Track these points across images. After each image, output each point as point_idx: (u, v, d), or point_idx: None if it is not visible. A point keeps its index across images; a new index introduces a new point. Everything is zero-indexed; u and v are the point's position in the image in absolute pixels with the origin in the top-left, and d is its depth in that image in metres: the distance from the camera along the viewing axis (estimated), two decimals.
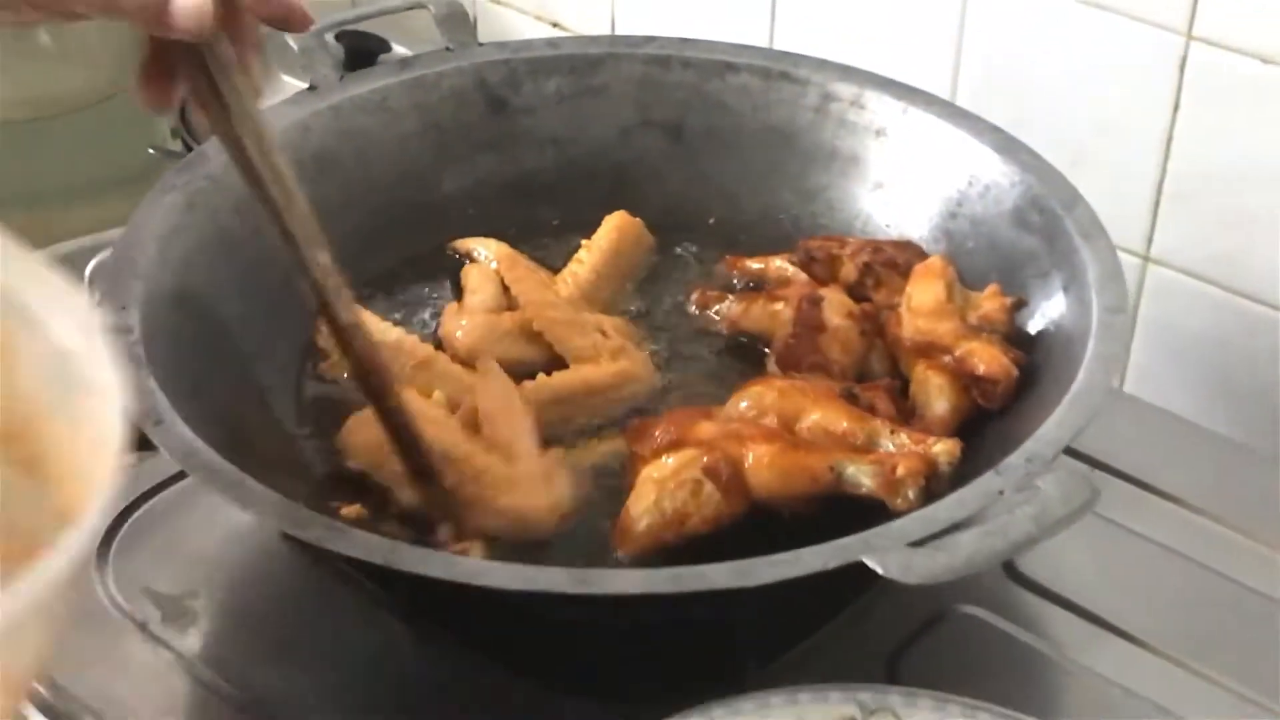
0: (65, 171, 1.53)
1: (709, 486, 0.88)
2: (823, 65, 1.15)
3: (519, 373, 1.01)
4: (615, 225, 1.12)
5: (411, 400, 0.95)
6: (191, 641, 0.94)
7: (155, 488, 1.04)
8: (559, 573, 0.79)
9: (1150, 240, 1.21)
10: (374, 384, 0.91)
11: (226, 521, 1.01)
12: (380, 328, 1.03)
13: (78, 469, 0.56)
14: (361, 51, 1.44)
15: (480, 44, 1.18)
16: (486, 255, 1.10)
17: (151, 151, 1.47)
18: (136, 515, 1.02)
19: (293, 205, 0.85)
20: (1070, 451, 1.04)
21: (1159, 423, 1.13)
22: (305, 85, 1.13)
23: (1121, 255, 1.16)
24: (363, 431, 0.95)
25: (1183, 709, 0.91)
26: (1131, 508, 1.03)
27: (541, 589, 0.78)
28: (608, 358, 1.02)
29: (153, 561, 0.99)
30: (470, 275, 1.09)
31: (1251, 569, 1.00)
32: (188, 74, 0.84)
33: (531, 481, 0.94)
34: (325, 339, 1.03)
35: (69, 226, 1.41)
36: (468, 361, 1.02)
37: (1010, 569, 0.99)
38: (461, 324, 1.02)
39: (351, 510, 0.92)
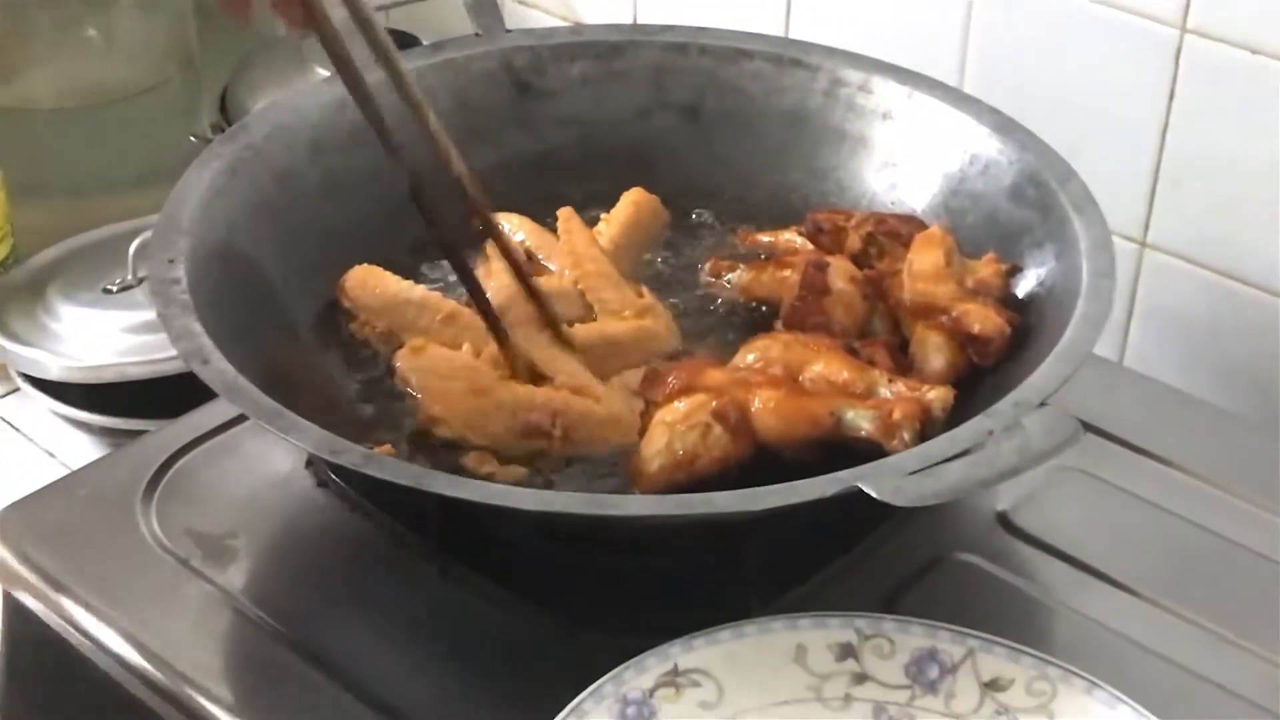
0: (111, 159, 1.59)
1: (718, 429, 0.93)
2: (832, 53, 1.20)
3: None
4: (632, 200, 1.18)
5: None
6: (231, 577, 1.00)
7: (197, 439, 1.10)
8: (575, 496, 0.85)
9: (1147, 226, 1.25)
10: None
11: (265, 470, 1.07)
12: (404, 285, 1.09)
13: None
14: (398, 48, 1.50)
15: (508, 30, 1.24)
16: (510, 227, 1.16)
17: (193, 140, 1.53)
18: (180, 464, 1.08)
19: (368, 98, 0.95)
20: None
21: (1151, 392, 1.17)
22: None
23: (1119, 240, 1.21)
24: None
25: (1165, 649, 0.95)
26: (1122, 468, 1.07)
27: (559, 509, 0.84)
28: (633, 313, 1.07)
29: (195, 506, 1.05)
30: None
31: (1235, 523, 1.04)
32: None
33: (625, 413, 0.99)
34: (350, 300, 1.09)
35: (114, 211, 1.48)
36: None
37: (1003, 520, 1.04)
38: (490, 284, 1.08)
39: (383, 449, 0.98)
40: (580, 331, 1.06)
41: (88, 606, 0.98)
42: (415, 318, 1.08)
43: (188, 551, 1.01)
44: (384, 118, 0.98)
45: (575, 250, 1.12)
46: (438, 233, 1.01)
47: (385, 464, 0.86)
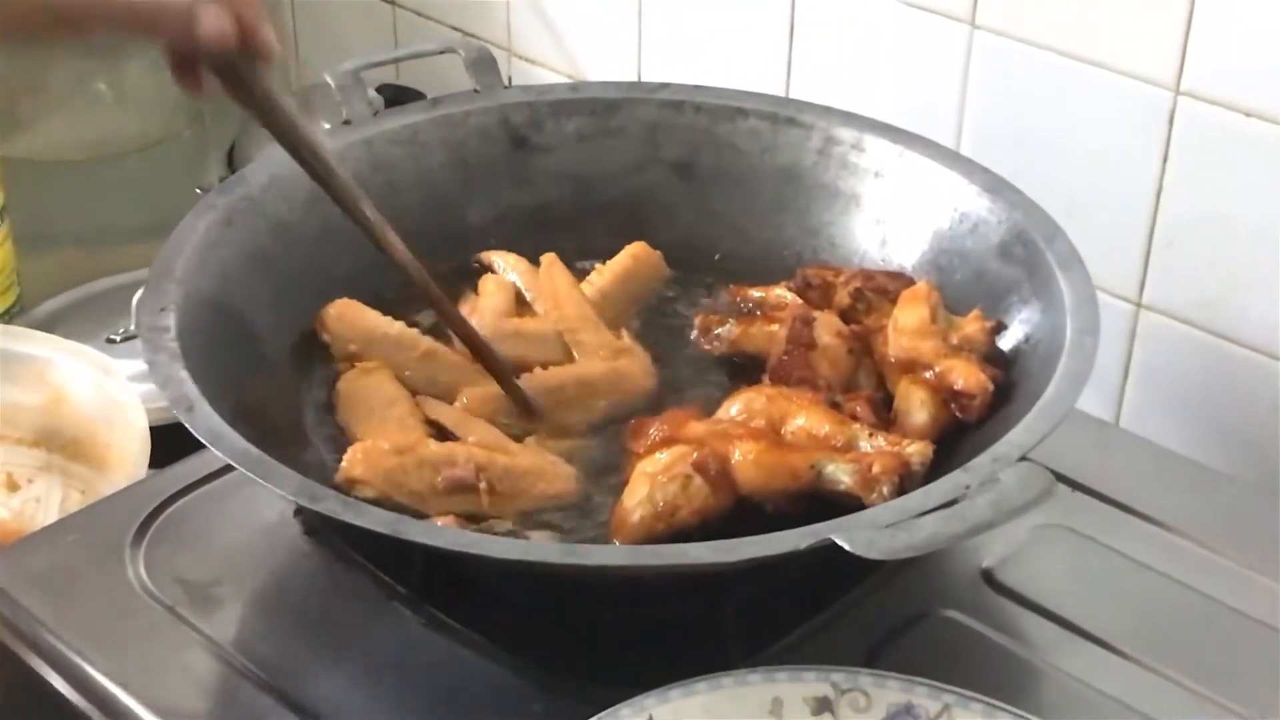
0: (118, 211, 1.61)
1: (698, 480, 0.93)
2: (826, 111, 1.21)
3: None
4: (632, 253, 1.19)
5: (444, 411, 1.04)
6: (217, 625, 1.00)
7: (188, 486, 1.11)
8: (548, 546, 0.85)
9: (1142, 286, 1.25)
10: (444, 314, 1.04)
11: (254, 517, 1.08)
12: (383, 320, 1.10)
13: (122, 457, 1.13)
14: (400, 103, 1.52)
15: (506, 87, 1.25)
16: (504, 266, 1.17)
17: (199, 193, 1.54)
18: (170, 511, 1.09)
19: (331, 170, 0.98)
20: (1059, 476, 1.08)
21: (1145, 453, 1.17)
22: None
23: (1116, 300, 1.23)
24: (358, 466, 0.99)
25: (1149, 708, 0.94)
26: (1110, 526, 1.07)
27: (534, 559, 0.84)
28: (609, 354, 1.08)
29: (183, 553, 1.05)
30: (487, 283, 1.17)
31: (1222, 583, 1.04)
32: (232, 92, 0.92)
33: (546, 465, 1.01)
34: (328, 332, 1.10)
35: (121, 262, 1.49)
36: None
37: (988, 577, 1.04)
38: (472, 320, 1.09)
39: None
40: (554, 372, 1.07)
41: (74, 651, 0.99)
42: (392, 353, 1.09)
43: (175, 599, 1.02)
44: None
45: (555, 293, 1.14)
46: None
47: (361, 511, 0.87)
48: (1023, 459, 0.89)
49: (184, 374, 0.95)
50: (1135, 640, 0.98)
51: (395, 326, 1.10)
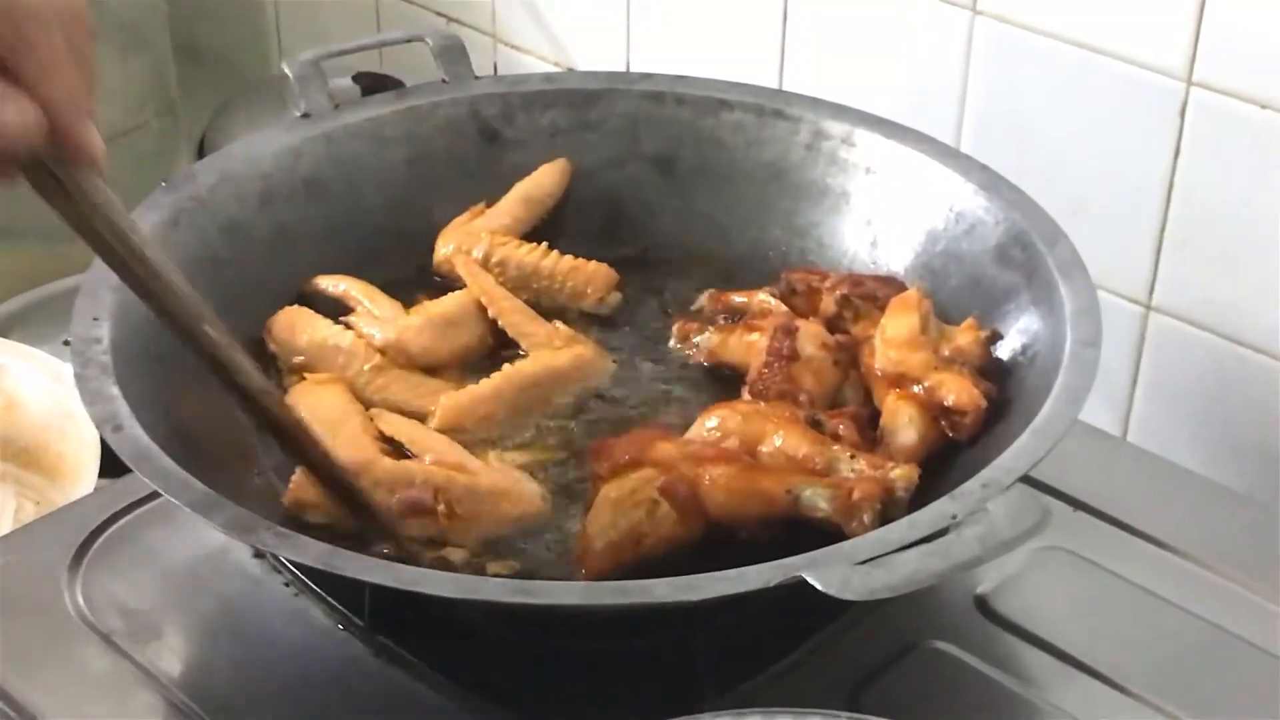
0: None
1: (665, 506, 0.88)
2: (815, 104, 1.16)
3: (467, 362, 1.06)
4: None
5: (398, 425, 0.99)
6: (155, 656, 0.94)
7: (131, 505, 1.04)
8: (498, 582, 0.78)
9: (1152, 288, 1.20)
10: (294, 444, 0.91)
11: (200, 538, 1.01)
12: (334, 330, 1.05)
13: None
14: (378, 91, 1.45)
15: (477, 77, 1.19)
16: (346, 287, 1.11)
17: (164, 184, 1.48)
18: (112, 530, 1.03)
19: (167, 285, 0.82)
20: (1059, 494, 1.04)
21: (1154, 470, 1.12)
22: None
23: (1123, 304, 1.18)
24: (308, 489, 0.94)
25: None
26: (1113, 549, 1.02)
27: (481, 597, 0.78)
28: (562, 343, 1.06)
29: (124, 576, 1.00)
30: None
31: (1232, 612, 0.98)
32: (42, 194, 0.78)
33: (510, 484, 0.96)
34: (275, 343, 1.05)
35: (84, 260, 1.42)
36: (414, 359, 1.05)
37: (981, 604, 0.98)
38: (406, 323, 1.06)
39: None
40: (522, 368, 1.03)
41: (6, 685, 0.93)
42: (344, 365, 1.04)
43: (111, 626, 0.96)
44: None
45: (486, 291, 1.09)
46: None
47: (296, 543, 0.81)
48: (1015, 484, 0.83)
49: (114, 390, 0.90)
50: (1141, 675, 0.93)
51: (347, 337, 1.05)
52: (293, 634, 0.95)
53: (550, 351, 1.05)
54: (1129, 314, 1.22)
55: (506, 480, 0.96)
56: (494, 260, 1.11)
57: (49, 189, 0.76)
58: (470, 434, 1.01)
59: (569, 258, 1.12)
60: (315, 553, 0.80)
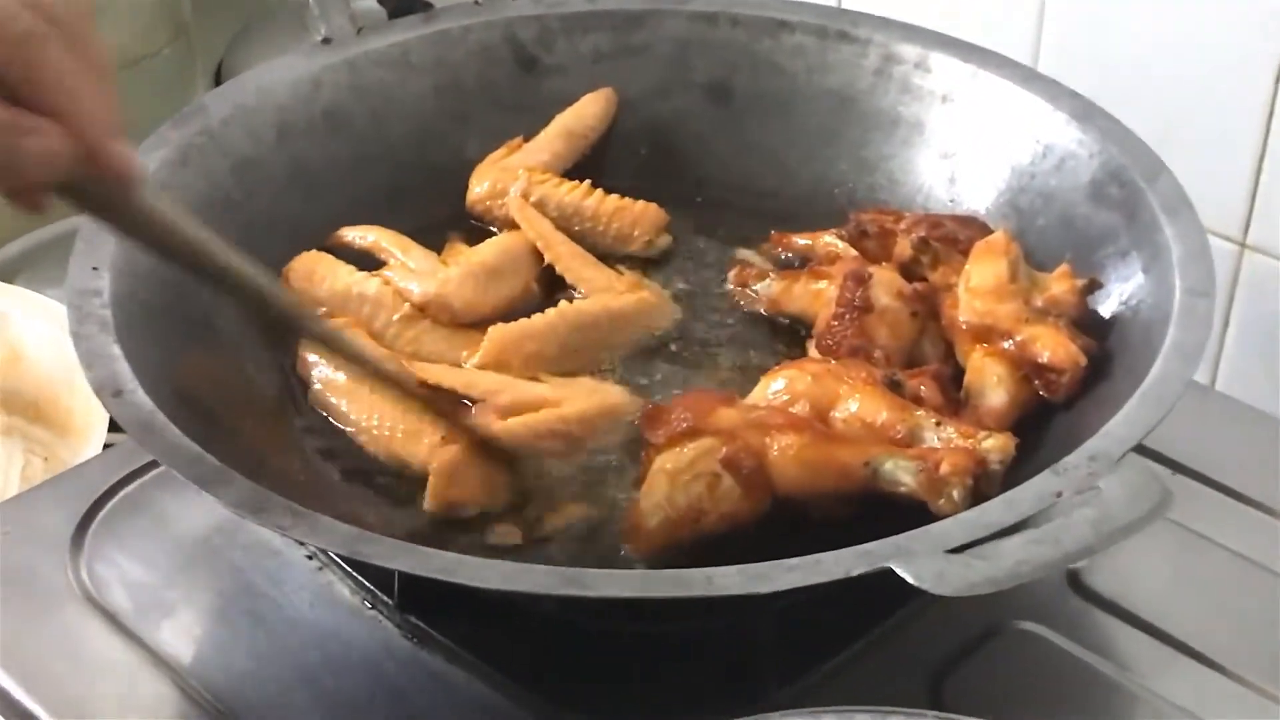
0: None
1: (728, 480, 0.80)
2: (885, 24, 1.09)
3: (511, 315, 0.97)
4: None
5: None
6: (165, 636, 0.88)
7: (139, 470, 0.97)
8: (546, 571, 0.70)
9: (1247, 225, 1.13)
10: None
11: (213, 509, 0.93)
12: (358, 277, 0.97)
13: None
14: (409, 13, 1.36)
15: None
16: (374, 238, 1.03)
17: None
18: (121, 495, 0.96)
19: (237, 276, 0.79)
20: (1146, 452, 0.96)
21: (1251, 423, 1.05)
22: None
23: (1216, 241, 1.11)
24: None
25: None
26: (1214, 515, 0.95)
27: (527, 589, 0.69)
28: (625, 288, 1.00)
29: (130, 549, 0.93)
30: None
31: None
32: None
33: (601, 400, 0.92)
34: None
35: None
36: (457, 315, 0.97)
37: (1074, 580, 0.90)
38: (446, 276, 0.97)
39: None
40: (582, 307, 0.97)
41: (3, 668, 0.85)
42: (370, 316, 0.96)
43: (118, 605, 0.89)
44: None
45: (543, 235, 1.01)
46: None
47: (316, 525, 0.72)
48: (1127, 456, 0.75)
49: (115, 349, 0.82)
50: (1253, 659, 0.86)
51: (372, 284, 0.97)
52: (316, 613, 0.88)
53: (612, 294, 0.99)
54: (1221, 252, 1.14)
55: (589, 401, 0.91)
56: (532, 200, 1.03)
57: (92, 207, 0.73)
58: (513, 371, 0.94)
59: (614, 197, 1.05)
60: (339, 536, 0.72)
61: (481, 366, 0.94)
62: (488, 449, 0.88)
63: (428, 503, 0.86)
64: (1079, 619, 0.88)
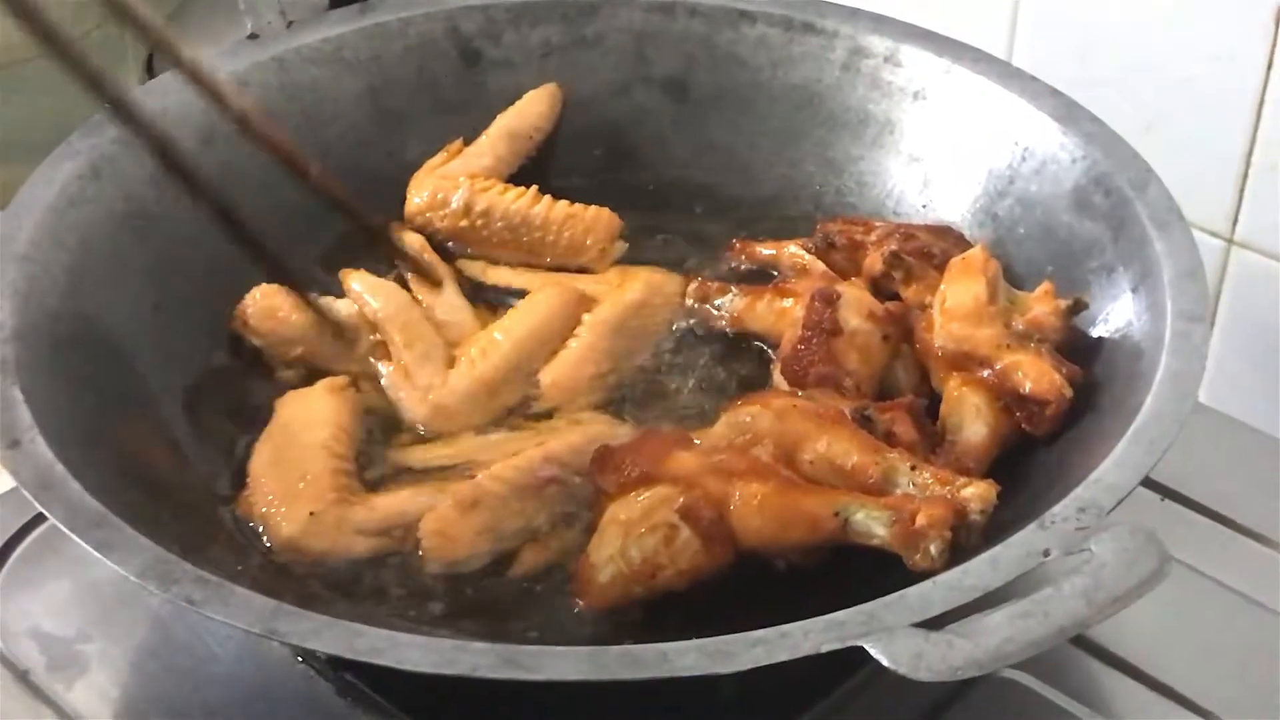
0: (15, 129, 1.40)
1: (686, 533, 0.75)
2: (853, 15, 1.06)
3: None
4: (644, 280, 1.00)
5: None
6: (78, 696, 0.82)
7: None
8: (481, 652, 0.64)
9: (1235, 219, 1.10)
10: None
11: None
12: (321, 304, 0.92)
13: None
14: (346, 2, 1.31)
15: None
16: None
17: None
18: (31, 538, 0.91)
19: None
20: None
21: (1242, 442, 1.01)
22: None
23: (1201, 236, 1.10)
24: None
25: None
26: (1209, 548, 0.91)
27: (462, 672, 0.63)
28: (620, 279, 0.97)
29: (43, 597, 0.88)
30: None
31: None
32: None
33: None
34: (256, 334, 0.92)
35: (18, 190, 1.28)
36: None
37: None
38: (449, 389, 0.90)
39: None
40: (604, 314, 0.94)
41: None
42: (352, 342, 0.92)
43: (29, 660, 0.84)
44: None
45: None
46: None
47: (231, 600, 0.66)
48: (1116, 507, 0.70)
49: (15, 393, 0.76)
50: (1252, 711, 0.82)
51: (340, 309, 0.93)
52: (243, 670, 0.83)
53: (617, 290, 0.95)
54: (1207, 248, 1.08)
55: (580, 429, 0.88)
56: (476, 210, 0.98)
57: None
58: (585, 398, 0.91)
59: (564, 203, 1.00)
60: (253, 613, 0.65)
61: (548, 413, 0.90)
62: (477, 499, 0.83)
63: (427, 567, 0.81)
64: (1068, 667, 0.84)
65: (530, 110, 1.03)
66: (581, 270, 0.99)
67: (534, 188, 0.99)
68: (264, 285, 0.92)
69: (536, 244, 0.98)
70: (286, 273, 0.88)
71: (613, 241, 1.00)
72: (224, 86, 0.85)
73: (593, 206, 1.00)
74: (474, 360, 0.91)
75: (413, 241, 0.97)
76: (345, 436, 0.85)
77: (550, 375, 0.91)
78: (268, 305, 0.92)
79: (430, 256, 0.97)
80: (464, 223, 0.98)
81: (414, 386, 0.90)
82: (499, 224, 0.97)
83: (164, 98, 0.95)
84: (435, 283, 0.95)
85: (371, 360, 0.91)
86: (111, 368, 0.85)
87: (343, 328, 0.92)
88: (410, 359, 0.90)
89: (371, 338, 0.92)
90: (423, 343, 0.92)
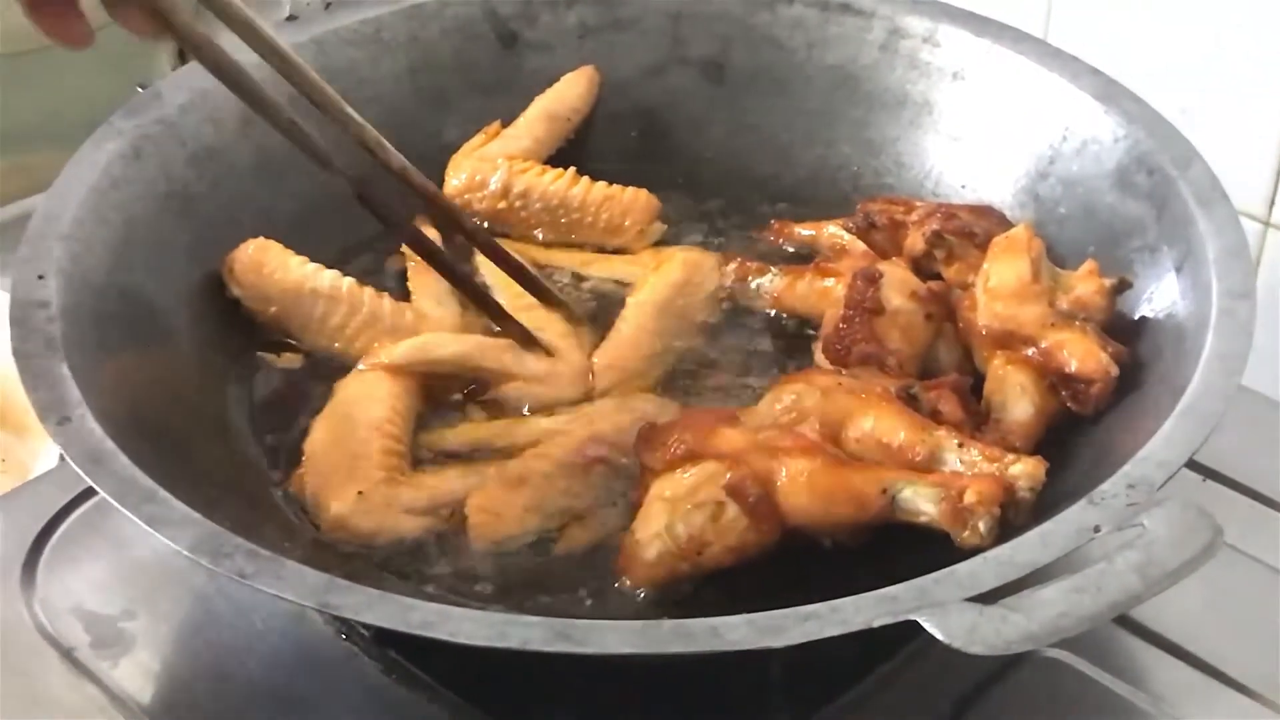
0: (46, 114, 1.39)
1: (732, 509, 0.75)
2: None
3: None
4: (682, 260, 0.99)
5: None
6: (124, 673, 0.82)
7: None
8: (532, 626, 0.63)
9: (1273, 202, 1.10)
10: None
11: None
12: (310, 270, 0.91)
13: None
14: None
15: None
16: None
17: (140, 90, 1.32)
18: (73, 518, 0.90)
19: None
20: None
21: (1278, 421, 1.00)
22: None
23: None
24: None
25: None
26: (1254, 529, 0.90)
27: (513, 645, 0.63)
28: (655, 261, 0.97)
29: (87, 575, 0.87)
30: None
31: None
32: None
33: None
34: (239, 286, 0.91)
35: (48, 177, 1.27)
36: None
37: None
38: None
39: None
40: (645, 296, 0.93)
41: None
42: (324, 315, 0.91)
43: (74, 639, 0.84)
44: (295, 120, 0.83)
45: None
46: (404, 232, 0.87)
47: (283, 573, 0.66)
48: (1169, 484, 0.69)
49: (63, 369, 0.75)
50: None
51: (326, 278, 0.91)
52: (287, 646, 0.83)
53: (658, 272, 0.95)
54: (1245, 231, 1.06)
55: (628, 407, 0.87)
56: (515, 191, 0.98)
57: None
58: (639, 379, 0.90)
59: (602, 184, 1.00)
60: (306, 586, 0.65)
61: (602, 396, 0.89)
62: (523, 476, 0.82)
63: (474, 545, 0.80)
64: (1111, 646, 0.83)
65: (568, 93, 1.03)
66: (619, 251, 0.99)
67: (572, 169, 0.99)
68: (259, 239, 0.92)
69: (575, 225, 0.98)
70: (379, 205, 0.87)
71: (651, 222, 0.99)
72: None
73: (630, 188, 1.00)
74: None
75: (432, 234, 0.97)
76: (400, 419, 0.84)
77: (604, 358, 0.90)
78: (256, 259, 0.91)
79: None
80: (502, 204, 0.98)
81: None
82: (537, 205, 0.97)
83: (203, 79, 0.95)
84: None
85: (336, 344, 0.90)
86: (156, 345, 0.84)
87: (318, 297, 0.90)
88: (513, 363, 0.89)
89: (354, 319, 0.90)
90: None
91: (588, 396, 0.88)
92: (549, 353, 0.89)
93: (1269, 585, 0.86)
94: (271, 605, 0.84)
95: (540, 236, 0.99)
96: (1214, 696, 0.81)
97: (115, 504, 0.69)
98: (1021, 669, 0.81)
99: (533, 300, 0.92)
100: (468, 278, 0.91)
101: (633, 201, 0.99)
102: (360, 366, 0.88)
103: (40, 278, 0.80)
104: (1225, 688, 0.81)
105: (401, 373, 0.86)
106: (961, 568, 0.66)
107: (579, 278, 0.97)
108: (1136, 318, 0.86)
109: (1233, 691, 0.81)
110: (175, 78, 0.96)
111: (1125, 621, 0.84)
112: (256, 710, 0.80)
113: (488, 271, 0.94)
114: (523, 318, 0.90)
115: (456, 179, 0.98)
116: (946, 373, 0.84)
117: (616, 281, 0.97)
